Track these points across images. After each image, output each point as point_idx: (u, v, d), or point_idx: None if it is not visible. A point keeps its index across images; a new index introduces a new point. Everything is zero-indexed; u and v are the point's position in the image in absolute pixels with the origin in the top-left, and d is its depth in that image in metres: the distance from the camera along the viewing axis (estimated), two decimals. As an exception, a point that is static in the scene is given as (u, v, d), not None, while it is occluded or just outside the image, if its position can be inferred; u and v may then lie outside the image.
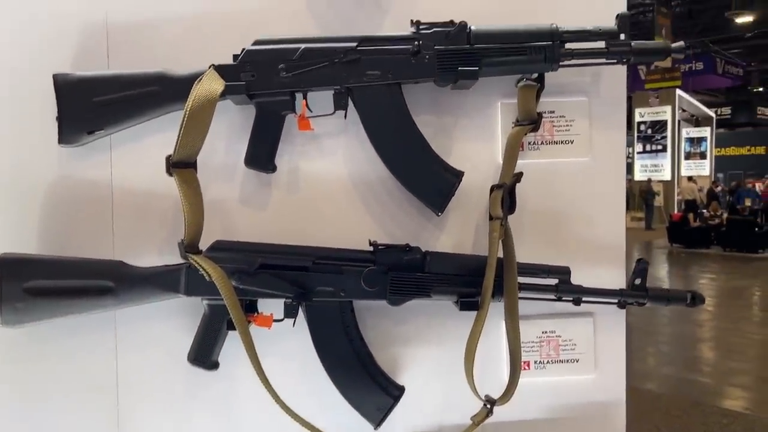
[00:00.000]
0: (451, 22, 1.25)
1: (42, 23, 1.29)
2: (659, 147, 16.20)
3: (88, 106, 1.24)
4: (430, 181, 1.29)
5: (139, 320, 1.31)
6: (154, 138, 1.30)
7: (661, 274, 10.12)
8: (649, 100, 15.84)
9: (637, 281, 1.29)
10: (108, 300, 1.23)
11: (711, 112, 18.24)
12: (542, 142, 1.36)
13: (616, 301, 1.31)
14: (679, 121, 16.42)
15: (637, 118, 16.36)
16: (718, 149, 19.40)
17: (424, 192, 1.29)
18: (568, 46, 1.26)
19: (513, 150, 1.30)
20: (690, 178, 16.28)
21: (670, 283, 9.31)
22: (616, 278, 1.37)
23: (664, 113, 15.87)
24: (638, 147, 16.55)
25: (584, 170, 1.37)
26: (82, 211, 1.31)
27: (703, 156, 17.66)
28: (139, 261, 1.27)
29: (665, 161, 16.18)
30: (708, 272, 10.51)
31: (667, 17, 13.51)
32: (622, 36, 1.25)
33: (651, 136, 16.28)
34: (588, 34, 1.26)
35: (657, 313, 6.70)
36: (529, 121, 1.29)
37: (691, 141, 17.68)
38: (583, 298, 1.29)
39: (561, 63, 1.26)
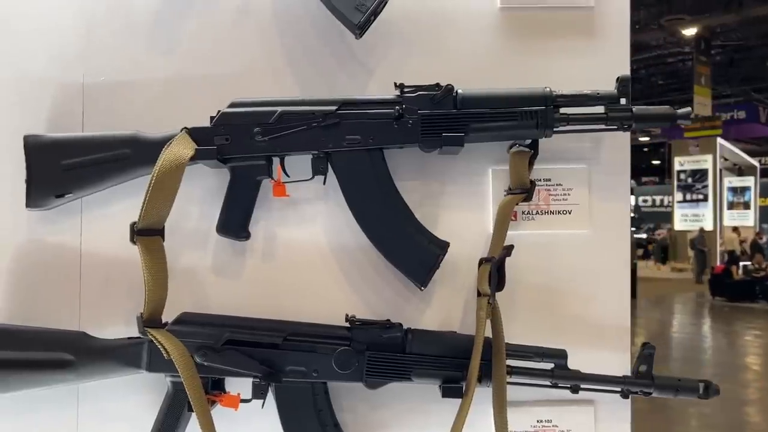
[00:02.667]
0: (437, 85, 1.17)
1: (19, 83, 1.26)
2: (700, 196, 15.77)
3: (57, 168, 1.19)
4: (412, 252, 1.20)
5: (102, 396, 1.24)
6: (125, 202, 1.24)
7: (704, 330, 9.69)
8: (689, 148, 15.51)
9: (643, 368, 1.17)
10: (68, 374, 1.16)
11: (755, 162, 17.75)
12: (537, 212, 1.26)
13: (618, 389, 1.18)
14: (720, 170, 16.00)
15: (677, 167, 16.01)
16: (763, 199, 18.80)
17: (406, 264, 1.20)
18: (563, 110, 1.17)
19: (503, 220, 1.20)
20: (735, 229, 15.75)
21: (713, 340, 8.90)
22: (620, 363, 1.24)
23: (705, 162, 15.49)
24: (678, 196, 16.14)
25: (584, 243, 1.26)
26: (49, 277, 1.26)
27: (746, 206, 17.11)
28: (105, 332, 1.20)
29: (706, 211, 15.71)
30: (753, 328, 10.01)
31: (706, 65, 13.30)
32: (623, 100, 1.16)
33: (691, 185, 15.87)
34: (585, 99, 1.17)
35: (697, 371, 6.39)
36: (521, 190, 1.20)
37: (734, 190, 17.18)
38: (582, 386, 1.16)
39: (555, 129, 1.17)
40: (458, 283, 1.25)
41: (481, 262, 1.20)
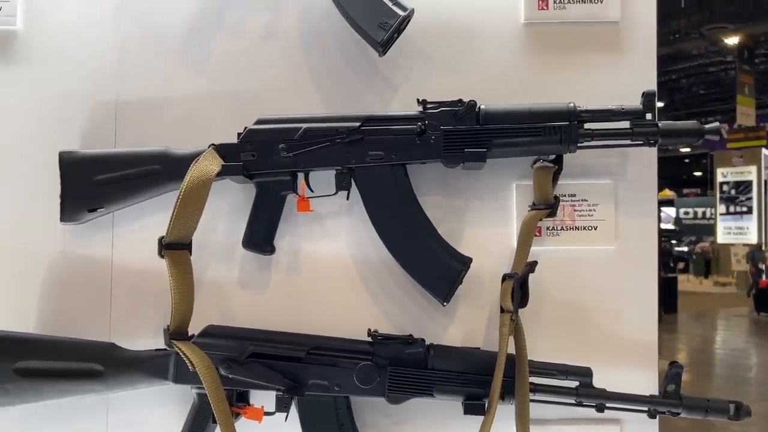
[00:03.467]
0: (460, 101, 1.18)
1: (55, 101, 1.31)
2: (744, 209, 15.31)
3: (90, 184, 1.23)
4: (435, 267, 1.20)
5: (130, 406, 1.27)
6: (156, 216, 1.27)
7: (748, 346, 9.38)
8: (732, 159, 15.09)
9: (671, 387, 1.14)
10: (97, 384, 1.19)
11: (801, 173, 17.16)
12: (562, 228, 1.25)
13: (645, 409, 1.15)
14: (765, 182, 15.52)
15: (720, 179, 15.58)
16: (811, 211, 18.13)
17: (429, 279, 1.20)
18: (588, 126, 1.16)
19: (527, 236, 1.19)
20: (780, 242, 15.23)
21: (758, 357, 8.60)
22: (647, 382, 1.22)
23: (749, 173, 15.04)
24: (721, 208, 15.71)
25: (610, 259, 1.24)
26: (82, 290, 1.29)
27: (793, 219, 16.53)
28: (134, 343, 1.23)
29: (751, 224, 15.24)
30: (801, 346, 9.66)
31: (750, 75, 12.97)
32: (648, 116, 1.14)
33: (735, 197, 15.43)
34: (610, 114, 1.15)
35: (741, 388, 6.17)
36: (546, 206, 1.19)
37: (781, 202, 16.63)
38: (608, 405, 1.14)
39: (580, 144, 1.16)
40: (482, 299, 1.25)
41: (504, 277, 1.19)
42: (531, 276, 1.17)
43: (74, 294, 1.29)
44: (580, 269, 1.25)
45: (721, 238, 15.68)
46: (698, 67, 13.54)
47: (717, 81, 14.50)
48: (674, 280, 11.88)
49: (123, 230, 1.30)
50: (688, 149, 18.35)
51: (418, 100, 1.19)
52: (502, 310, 1.18)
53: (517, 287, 1.14)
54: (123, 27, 1.31)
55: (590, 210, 1.24)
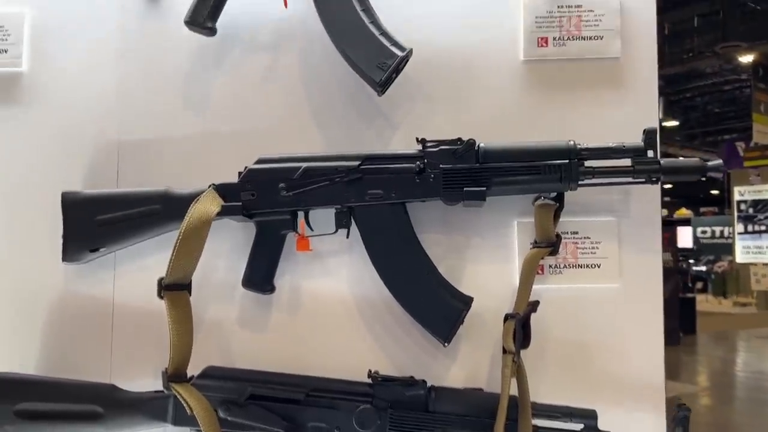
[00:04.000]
0: (459, 139, 1.17)
1: (58, 141, 1.33)
2: (762, 227, 15.10)
3: (92, 224, 1.24)
4: (435, 307, 1.18)
5: (129, 446, 1.25)
6: (157, 256, 1.27)
7: (768, 369, 9.18)
8: (749, 178, 14.92)
9: (678, 431, 1.11)
10: (97, 426, 1.18)
11: (821, 191, 16.92)
12: (565, 266, 1.23)
13: (652, 453, 1.12)
14: (784, 200, 15.30)
15: (737, 197, 15.38)
16: (832, 230, 17.84)
17: (430, 320, 1.19)
18: (589, 163, 1.15)
19: (529, 275, 1.18)
20: (803, 261, 14.97)
21: (782, 382, 8.40)
22: (654, 424, 1.19)
23: (767, 192, 14.87)
24: (739, 227, 15.50)
25: (614, 297, 1.22)
26: (83, 329, 1.30)
27: (814, 237, 16.26)
28: (135, 384, 1.22)
29: (770, 243, 15.01)
30: (827, 368, 9.44)
31: (766, 93, 12.86)
32: (650, 153, 1.13)
33: (753, 216, 15.23)
34: (610, 152, 1.14)
35: (764, 412, 6.03)
36: (547, 244, 1.18)
37: (800, 221, 16.38)
38: (614, 448, 1.12)
39: (581, 182, 1.15)
40: (484, 339, 1.23)
41: (506, 317, 1.17)
42: (533, 315, 1.16)
43: (76, 334, 1.29)
44: (584, 308, 1.23)
45: (740, 257, 15.44)
46: (713, 85, 13.46)
47: (732, 99, 14.39)
48: (692, 300, 11.70)
49: (124, 270, 1.30)
50: (704, 167, 18.12)
51: (417, 138, 1.19)
52: (505, 351, 1.16)
53: (519, 328, 1.13)
54: (125, 68, 1.33)
55: (593, 248, 1.22)
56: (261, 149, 1.24)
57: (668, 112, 12.90)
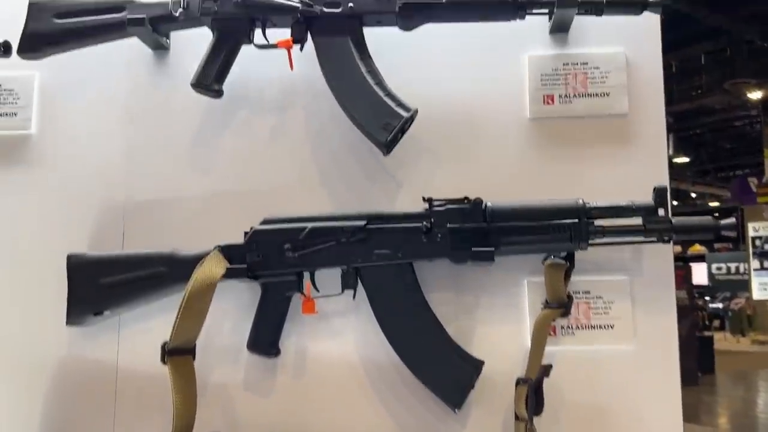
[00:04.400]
0: (466, 198, 1.16)
1: (65, 203, 1.33)
2: (779, 263, 14.87)
3: (97, 287, 1.23)
4: (445, 372, 1.15)
5: None
6: (162, 318, 1.25)
7: (792, 411, 8.92)
8: (763, 213, 14.78)
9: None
10: (98, 495, 1.15)
11: (836, 226, 16.70)
12: (577, 327, 1.20)
13: None
14: (800, 236, 15.11)
15: (751, 233, 15.21)
16: None
17: (439, 385, 1.16)
18: (599, 222, 1.13)
19: (541, 336, 1.15)
20: (820, 297, 14.68)
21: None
22: (675, 490, 1.14)
23: (783, 227, 14.69)
24: (755, 263, 15.29)
25: (629, 359, 1.19)
26: (87, 394, 1.28)
27: (831, 273, 15.99)
28: (137, 449, 1.20)
29: (788, 279, 14.76)
30: None
31: (776, 128, 12.83)
32: (661, 211, 1.11)
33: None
34: (620, 210, 1.13)
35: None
36: (558, 304, 1.15)
37: (816, 257, 16.13)
38: None
39: (591, 242, 1.13)
40: (496, 404, 1.19)
41: (518, 382, 1.14)
42: (546, 380, 1.12)
43: (79, 398, 1.27)
44: (598, 370, 1.19)
45: (757, 293, 15.18)
46: (722, 121, 13.46)
47: (743, 135, 14.36)
48: (710, 339, 11.48)
49: (129, 332, 1.28)
50: (717, 203, 18.07)
51: (423, 197, 1.18)
52: (517, 418, 1.13)
53: (532, 394, 1.10)
54: (132, 129, 1.34)
55: (606, 308, 1.19)
56: (267, 209, 1.23)
57: (678, 148, 12.89)
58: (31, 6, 1.26)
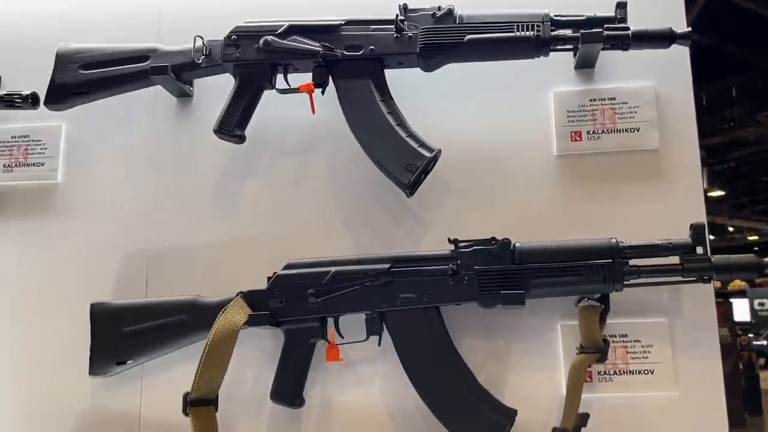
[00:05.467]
0: (493, 239, 1.12)
1: (88, 251, 1.33)
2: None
3: (120, 336, 1.21)
4: (476, 422, 1.10)
5: None
6: (185, 366, 1.23)
7: None
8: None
9: None
10: None
11: None
12: (615, 372, 1.14)
13: None
14: None
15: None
16: None
17: (468, 435, 1.10)
18: (633, 262, 1.08)
19: (577, 383, 1.09)
20: None
21: None
22: None
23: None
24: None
25: (671, 407, 1.12)
26: (109, 445, 1.25)
27: None
28: (159, 505, 1.16)
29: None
30: None
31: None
32: (699, 249, 1.06)
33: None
34: (656, 249, 1.08)
35: None
36: (594, 349, 1.09)
37: None
38: None
39: (626, 283, 1.08)
40: (530, 455, 1.13)
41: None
42: (584, 429, 1.06)
43: (101, 451, 1.25)
44: (639, 419, 1.12)
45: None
46: (757, 153, 13.21)
47: (765, 160, 14.05)
48: (756, 378, 10.99)
49: (151, 381, 1.26)
50: (755, 237, 17.59)
51: (449, 239, 1.14)
52: (553, 471, 1.06)
53: (568, 446, 1.03)
54: (156, 177, 1.34)
55: (644, 352, 1.13)
56: (291, 253, 1.21)
57: (713, 182, 12.65)
58: (58, 58, 1.29)
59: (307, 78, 1.21)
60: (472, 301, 1.12)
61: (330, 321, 1.18)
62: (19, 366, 1.30)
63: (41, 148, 1.37)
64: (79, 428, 1.26)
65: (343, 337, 1.17)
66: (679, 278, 1.07)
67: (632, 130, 1.20)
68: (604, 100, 1.22)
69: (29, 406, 1.28)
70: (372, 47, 1.19)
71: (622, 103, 1.21)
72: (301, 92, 1.21)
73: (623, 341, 1.14)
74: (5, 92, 1.31)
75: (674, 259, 1.07)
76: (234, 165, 1.32)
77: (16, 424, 1.28)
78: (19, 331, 1.32)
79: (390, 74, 1.21)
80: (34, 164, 1.36)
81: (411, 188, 1.14)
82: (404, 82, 1.22)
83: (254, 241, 1.29)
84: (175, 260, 1.30)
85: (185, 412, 1.09)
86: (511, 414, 1.09)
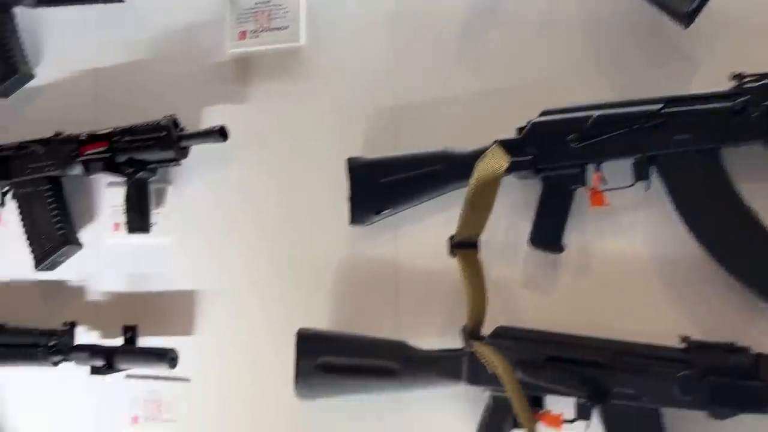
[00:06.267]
0: (791, 76, 1.01)
1: (337, 111, 1.38)
2: None
3: (377, 187, 1.27)
4: (763, 265, 1.04)
5: (416, 407, 1.27)
6: (437, 217, 1.27)
7: None
8: None
9: None
10: (393, 382, 1.21)
11: None
12: None
13: None
14: None
15: None
16: None
17: (758, 280, 1.04)
18: None
19: None
20: None
21: None
22: None
23: None
24: None
25: None
26: (369, 289, 1.34)
27: None
28: (420, 341, 1.23)
29: None
30: None
31: None
32: None
33: None
34: None
35: None
36: None
37: None
38: None
39: None
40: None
41: None
42: None
43: (362, 294, 1.34)
44: None
45: None
46: None
47: None
48: None
49: (406, 231, 1.32)
50: None
51: (732, 74, 1.04)
52: None
53: None
54: (398, 33, 1.34)
55: None
56: (539, 104, 1.17)
57: None
58: None
59: None
60: (759, 141, 1.03)
61: (590, 167, 1.14)
62: (283, 219, 1.41)
63: (283, 12, 1.41)
64: (342, 273, 1.36)
65: (606, 183, 1.13)
66: None
67: None
68: None
69: (296, 256, 1.39)
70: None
71: None
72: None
73: None
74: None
75: None
76: (475, 14, 1.28)
77: (282, 273, 1.41)
78: (278, 187, 1.42)
79: None
80: (278, 28, 1.41)
81: (690, 17, 1.04)
82: None
83: (500, 93, 1.27)
84: (421, 115, 1.32)
85: (452, 254, 1.13)
86: None
